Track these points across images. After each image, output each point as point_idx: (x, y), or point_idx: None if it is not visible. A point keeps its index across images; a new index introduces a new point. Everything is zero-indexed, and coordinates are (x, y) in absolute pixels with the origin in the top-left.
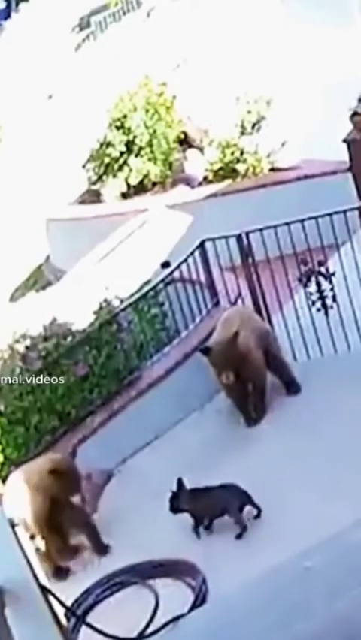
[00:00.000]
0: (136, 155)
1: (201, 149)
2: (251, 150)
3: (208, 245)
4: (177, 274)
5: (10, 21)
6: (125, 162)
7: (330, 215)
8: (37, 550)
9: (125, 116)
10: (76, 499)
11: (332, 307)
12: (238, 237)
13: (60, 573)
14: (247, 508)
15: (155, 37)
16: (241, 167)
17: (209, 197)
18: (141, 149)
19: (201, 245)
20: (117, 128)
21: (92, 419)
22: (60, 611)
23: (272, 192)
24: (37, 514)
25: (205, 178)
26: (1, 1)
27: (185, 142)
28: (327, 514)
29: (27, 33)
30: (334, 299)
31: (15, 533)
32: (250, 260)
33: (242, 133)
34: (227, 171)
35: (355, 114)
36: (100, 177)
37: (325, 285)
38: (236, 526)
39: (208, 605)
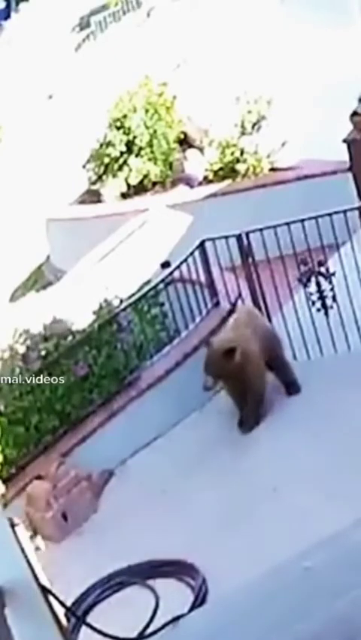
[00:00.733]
0: (136, 155)
1: (201, 149)
2: (251, 150)
3: (208, 245)
4: (177, 274)
5: (10, 21)
6: (125, 162)
7: (330, 215)
8: (37, 549)
9: (125, 116)
10: None
11: (332, 307)
12: (238, 237)
13: None
14: None
15: (155, 37)
16: (241, 167)
17: (209, 197)
18: (141, 149)
19: (201, 245)
20: (117, 128)
21: (92, 419)
22: (60, 611)
23: (272, 192)
24: None
25: (205, 178)
26: (1, 1)
27: (185, 142)
28: (327, 514)
29: (27, 33)
30: (334, 299)
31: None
32: (250, 260)
33: (242, 133)
34: (227, 171)
35: (355, 114)
36: (100, 177)
37: (325, 285)
38: None
39: (208, 605)
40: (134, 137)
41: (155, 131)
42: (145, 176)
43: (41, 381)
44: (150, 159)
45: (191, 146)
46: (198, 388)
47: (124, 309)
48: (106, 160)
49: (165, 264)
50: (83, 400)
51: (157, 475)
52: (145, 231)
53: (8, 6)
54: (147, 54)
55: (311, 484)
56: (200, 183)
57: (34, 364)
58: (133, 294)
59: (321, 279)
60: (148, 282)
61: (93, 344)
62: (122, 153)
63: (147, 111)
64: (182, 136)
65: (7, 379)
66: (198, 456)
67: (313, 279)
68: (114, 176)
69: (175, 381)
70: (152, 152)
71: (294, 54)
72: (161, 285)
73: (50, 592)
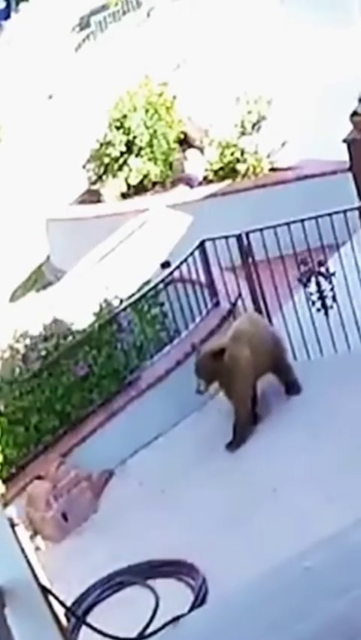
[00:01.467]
0: (136, 155)
1: (201, 149)
2: (251, 150)
3: (208, 245)
4: (177, 274)
5: (10, 21)
6: (125, 162)
7: (330, 215)
8: (37, 549)
9: (125, 116)
10: None
11: (332, 307)
12: (238, 237)
13: None
14: None
15: (155, 37)
16: (241, 167)
17: (209, 197)
18: (141, 149)
19: (201, 245)
20: (117, 128)
21: (92, 419)
22: (60, 611)
23: (272, 192)
24: None
25: (205, 178)
26: (1, 1)
27: (185, 142)
28: (327, 514)
29: (27, 33)
30: (334, 299)
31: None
32: (250, 260)
33: (242, 133)
34: (227, 171)
35: (355, 114)
36: (100, 177)
37: (325, 285)
38: None
39: (208, 605)
40: (135, 137)
41: (155, 131)
42: (145, 176)
43: (41, 381)
44: (150, 159)
45: (191, 146)
46: None
47: (124, 309)
48: (106, 160)
49: (165, 264)
50: (83, 399)
51: (157, 475)
52: (145, 231)
53: (8, 6)
54: (147, 54)
55: (311, 484)
56: (200, 183)
57: (34, 364)
58: (133, 294)
59: (321, 279)
60: (148, 282)
61: (93, 344)
62: (122, 153)
63: (147, 111)
64: (182, 136)
65: (7, 379)
66: (198, 456)
67: (313, 279)
68: (114, 176)
69: (175, 381)
70: (152, 152)
71: (294, 54)
72: (161, 285)
73: (50, 592)
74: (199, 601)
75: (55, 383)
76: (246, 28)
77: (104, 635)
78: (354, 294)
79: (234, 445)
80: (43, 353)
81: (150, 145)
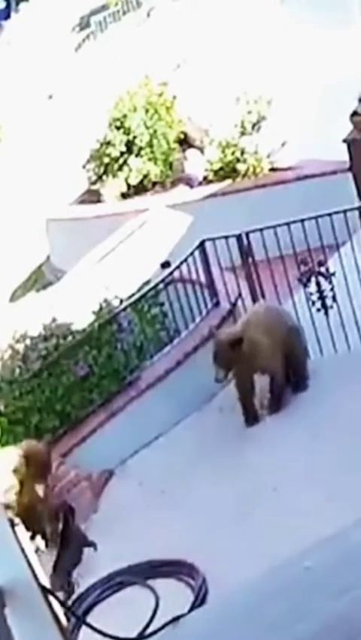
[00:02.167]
0: (136, 155)
1: (201, 149)
2: (251, 150)
3: (208, 245)
4: (177, 274)
5: (10, 21)
6: (125, 162)
7: (330, 215)
8: (37, 550)
9: (125, 116)
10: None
11: (332, 307)
12: (238, 237)
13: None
14: None
15: (155, 37)
16: (241, 167)
17: (209, 197)
18: (141, 149)
19: (201, 245)
20: (117, 127)
21: (92, 419)
22: (60, 611)
23: (272, 192)
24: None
25: (205, 178)
26: (1, 1)
27: (185, 142)
28: (327, 514)
29: (27, 33)
30: (334, 299)
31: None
32: (250, 260)
33: (242, 133)
34: (227, 171)
35: (355, 114)
36: (100, 177)
37: (325, 285)
38: None
39: (208, 605)
40: (134, 137)
41: (155, 131)
42: (145, 176)
43: (41, 381)
44: (150, 159)
45: (191, 146)
46: (199, 388)
47: (124, 309)
48: (106, 160)
49: (165, 264)
50: (83, 399)
51: (157, 474)
52: (145, 231)
53: (8, 6)
54: (147, 54)
55: (311, 483)
56: (200, 183)
57: (34, 364)
58: (133, 294)
59: (321, 279)
60: (148, 282)
61: (93, 344)
62: (122, 153)
63: (147, 111)
64: (182, 136)
65: (7, 379)
66: (198, 456)
67: (313, 279)
68: (114, 176)
69: (175, 381)
70: (152, 152)
71: (294, 54)
72: (161, 285)
73: (50, 592)
74: (199, 601)
75: (55, 383)
76: (246, 28)
77: (104, 635)
78: (354, 294)
79: (251, 420)
80: (43, 353)
81: (150, 145)
